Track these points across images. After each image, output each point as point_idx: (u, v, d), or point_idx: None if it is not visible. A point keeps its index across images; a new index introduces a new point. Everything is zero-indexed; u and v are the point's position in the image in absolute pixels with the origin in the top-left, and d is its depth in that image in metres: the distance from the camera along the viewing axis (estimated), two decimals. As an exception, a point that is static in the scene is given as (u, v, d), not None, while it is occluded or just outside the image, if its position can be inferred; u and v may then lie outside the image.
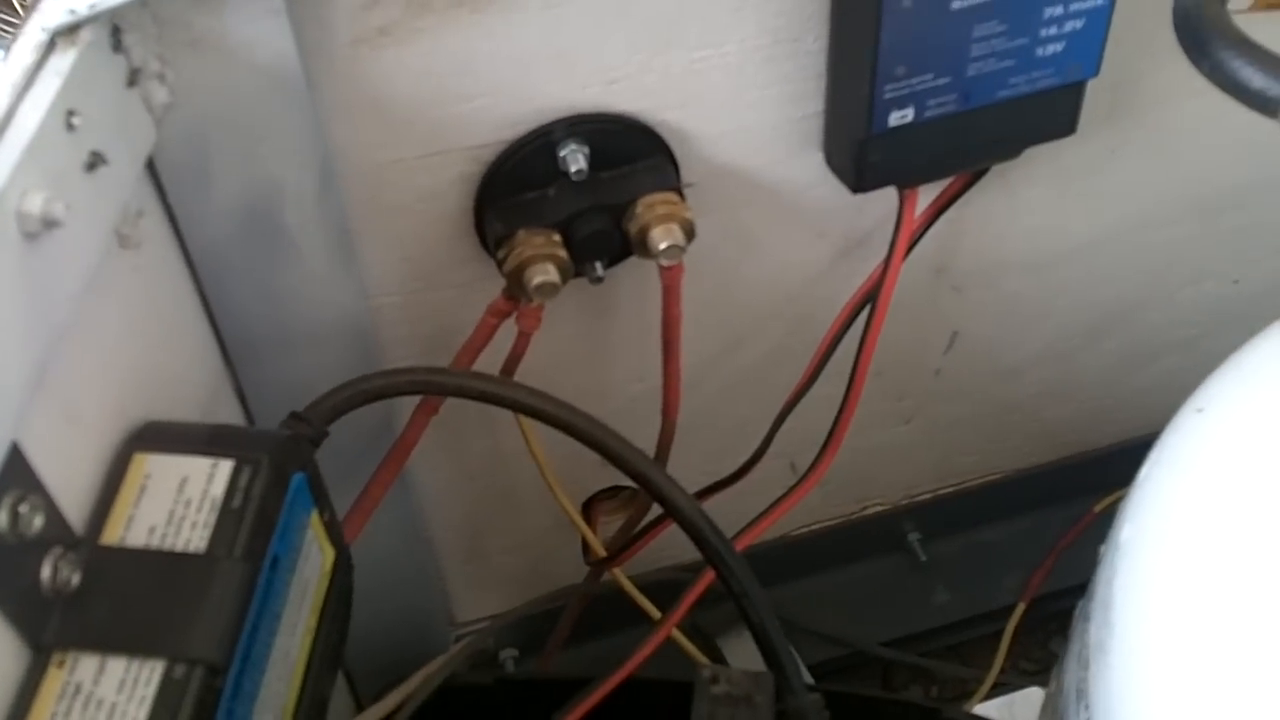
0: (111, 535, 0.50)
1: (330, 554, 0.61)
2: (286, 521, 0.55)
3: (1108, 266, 0.86)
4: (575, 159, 0.63)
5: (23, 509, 0.44)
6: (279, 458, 0.54)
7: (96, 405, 0.52)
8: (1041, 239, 0.82)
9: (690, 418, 0.77)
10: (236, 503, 0.51)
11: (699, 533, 0.65)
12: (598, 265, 0.67)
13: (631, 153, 0.65)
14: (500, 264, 0.64)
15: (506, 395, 0.64)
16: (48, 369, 0.45)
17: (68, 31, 0.48)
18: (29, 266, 0.44)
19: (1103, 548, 0.62)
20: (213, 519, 0.51)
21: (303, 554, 0.57)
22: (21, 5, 2.29)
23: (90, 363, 0.51)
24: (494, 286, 0.67)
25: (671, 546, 0.79)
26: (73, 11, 0.47)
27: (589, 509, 0.91)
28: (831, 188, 0.70)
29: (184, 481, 0.52)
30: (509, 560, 0.94)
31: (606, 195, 0.65)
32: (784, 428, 0.79)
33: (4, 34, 2.34)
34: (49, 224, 0.44)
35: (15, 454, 0.44)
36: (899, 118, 0.63)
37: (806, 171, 0.71)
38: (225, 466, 0.53)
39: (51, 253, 0.45)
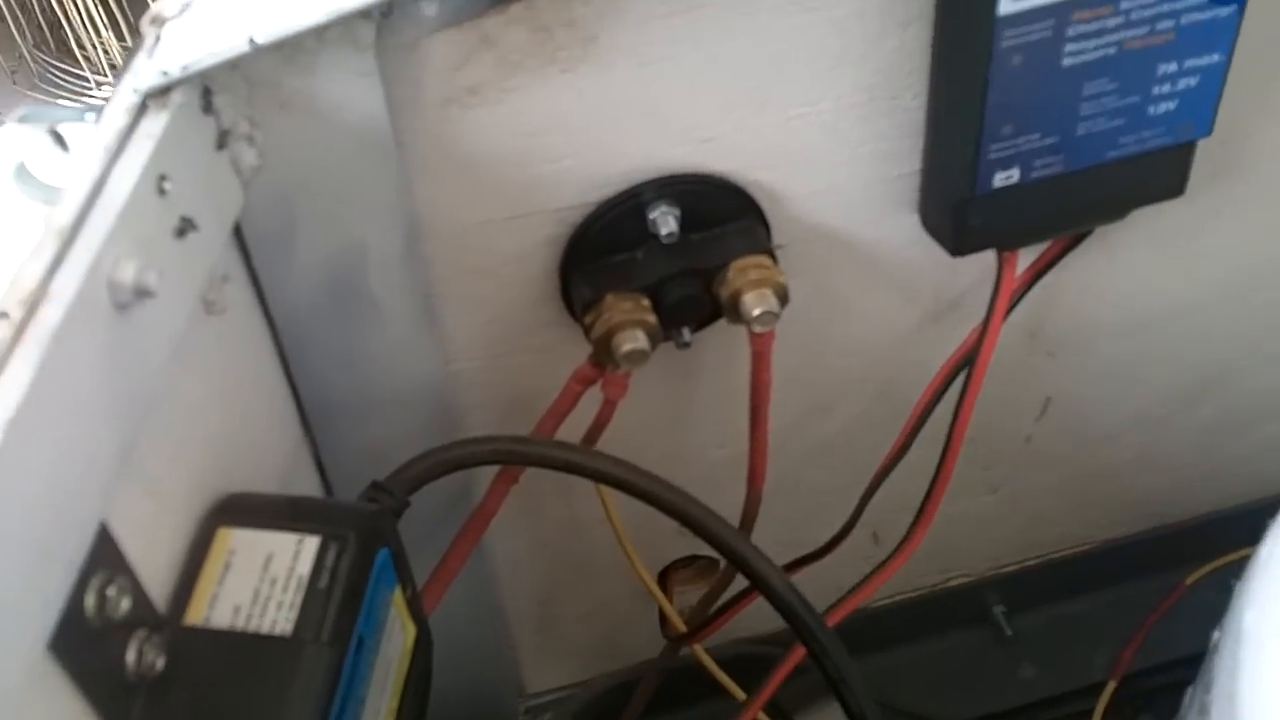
0: (196, 615, 0.48)
1: (411, 631, 0.59)
2: (371, 600, 0.53)
3: (1206, 329, 0.83)
4: (666, 221, 0.61)
5: (110, 591, 0.43)
6: (365, 534, 0.52)
7: (179, 478, 0.50)
8: (1140, 301, 0.80)
9: (772, 483, 0.74)
10: (323, 582, 0.50)
11: (792, 611, 0.62)
12: (686, 330, 0.65)
13: (722, 214, 0.63)
14: (587, 330, 0.62)
15: (592, 466, 0.62)
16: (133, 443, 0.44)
17: (159, 93, 0.46)
18: (120, 338, 0.42)
19: (1217, 633, 0.58)
20: (299, 599, 0.49)
21: (386, 633, 0.55)
22: (84, 58, 2.32)
23: (173, 434, 0.49)
24: (577, 350, 0.65)
25: (748, 616, 0.76)
26: (165, 73, 0.46)
27: (665, 578, 0.89)
28: (925, 249, 0.68)
29: (269, 558, 0.50)
30: (581, 629, 0.91)
31: (697, 258, 0.63)
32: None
33: (67, 83, 2.37)
34: (141, 293, 0.42)
35: (103, 534, 0.42)
36: (1003, 179, 0.61)
37: (900, 232, 0.68)
38: (311, 543, 0.51)
39: (142, 323, 0.44)
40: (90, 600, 0.41)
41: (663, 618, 0.82)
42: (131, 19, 2.34)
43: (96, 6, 2.24)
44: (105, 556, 0.42)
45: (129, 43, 2.31)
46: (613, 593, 0.87)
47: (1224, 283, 0.81)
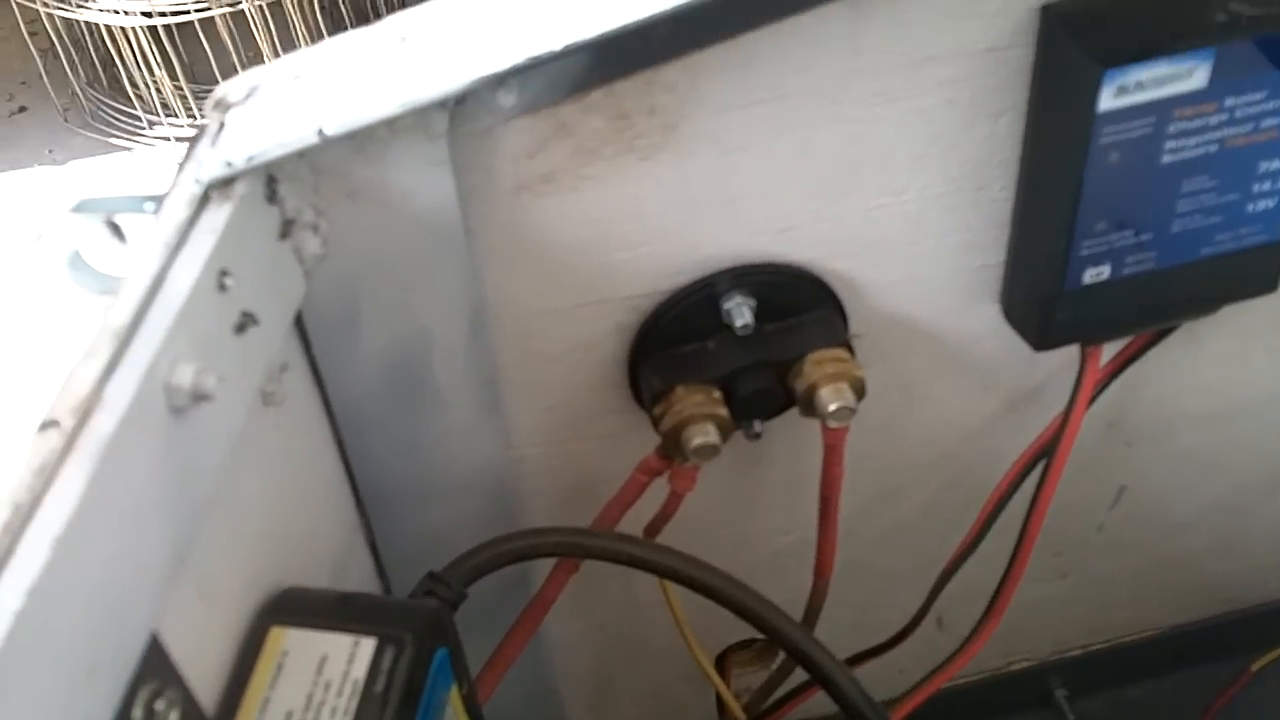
0: (246, 720, 0.46)
1: (467, 729, 0.57)
2: (428, 703, 0.51)
3: None
4: (741, 313, 0.59)
5: (159, 705, 0.41)
6: (423, 635, 0.50)
7: (232, 575, 0.48)
8: (1223, 392, 0.77)
9: (839, 567, 0.72)
10: (379, 687, 0.48)
11: (856, 711, 0.60)
12: (757, 422, 0.63)
13: (799, 304, 0.61)
14: (656, 421, 0.60)
15: (658, 562, 0.61)
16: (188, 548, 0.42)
17: (223, 184, 0.44)
18: (175, 443, 0.40)
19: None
20: (354, 705, 0.47)
21: (441, 734, 0.53)
22: (137, 96, 2.33)
23: (227, 530, 0.47)
24: (640, 437, 0.63)
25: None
26: (229, 164, 0.44)
27: (723, 659, 0.86)
28: (1005, 340, 0.65)
29: (323, 661, 0.48)
30: (636, 711, 0.89)
31: (772, 351, 0.60)
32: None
33: (119, 122, 2.38)
34: (199, 398, 0.40)
35: (153, 644, 0.40)
36: (1094, 275, 0.58)
37: (980, 323, 0.66)
38: (367, 646, 0.49)
39: (199, 426, 0.42)
40: (139, 713, 0.40)
41: (720, 704, 0.80)
42: (185, 58, 2.36)
43: (151, 46, 2.25)
44: (155, 668, 0.41)
45: (181, 83, 2.32)
46: (669, 676, 0.85)
47: (1311, 375, 0.78)
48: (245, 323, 0.45)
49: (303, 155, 0.46)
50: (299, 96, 0.45)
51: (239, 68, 2.35)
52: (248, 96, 0.45)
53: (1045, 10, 0.54)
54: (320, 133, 0.44)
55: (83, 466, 0.36)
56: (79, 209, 0.45)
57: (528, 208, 0.54)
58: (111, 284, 0.48)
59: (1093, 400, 0.67)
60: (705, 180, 0.56)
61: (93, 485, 0.36)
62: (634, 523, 0.66)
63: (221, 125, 0.45)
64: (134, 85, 2.35)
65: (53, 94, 2.47)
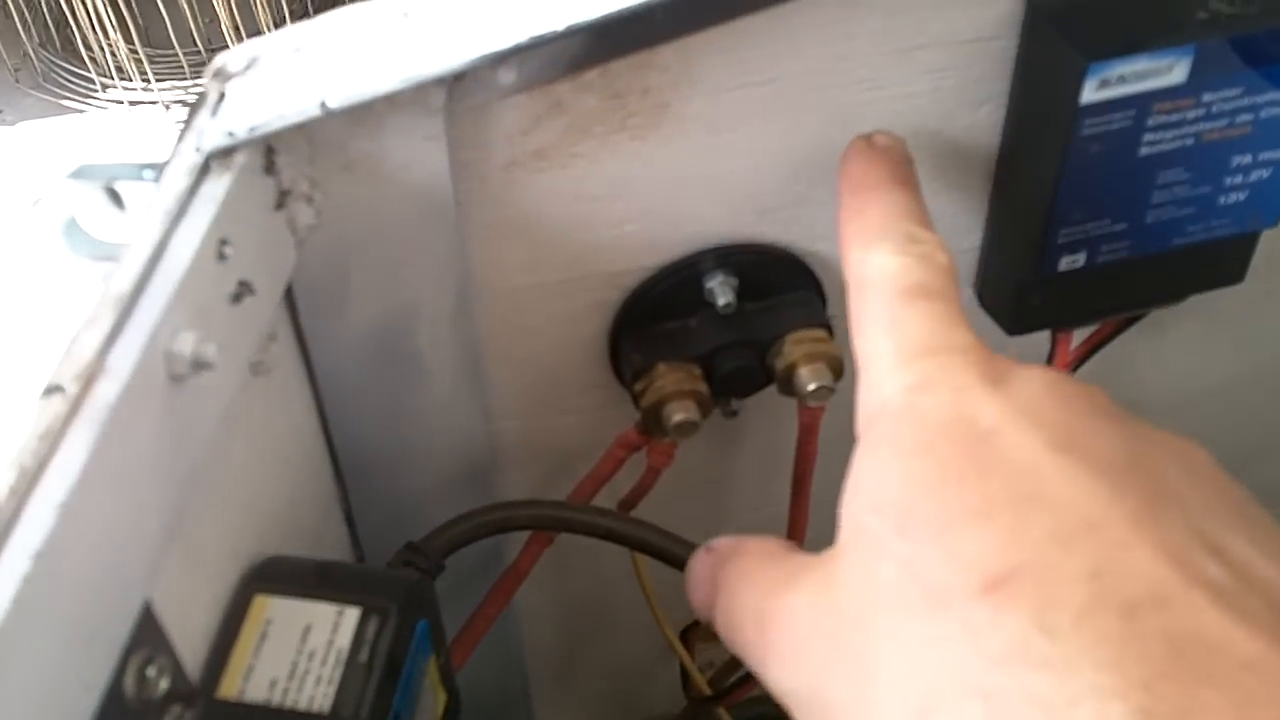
0: (230, 688, 0.47)
1: (443, 699, 0.57)
2: (408, 672, 0.51)
3: (1250, 403, 0.83)
4: (724, 291, 0.59)
5: (150, 671, 0.41)
6: (406, 606, 0.51)
7: (219, 543, 0.48)
8: (1185, 378, 0.79)
9: (808, 544, 0.73)
10: (363, 656, 0.48)
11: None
12: (734, 400, 0.64)
13: (780, 284, 0.62)
14: (637, 397, 0.61)
15: (636, 535, 0.61)
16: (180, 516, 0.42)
17: (223, 154, 0.45)
18: (173, 410, 0.41)
19: None
20: (338, 674, 0.48)
21: (420, 704, 0.54)
22: (90, 59, 2.30)
23: (214, 498, 0.47)
24: (619, 413, 0.64)
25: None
26: (231, 134, 0.44)
27: (687, 634, 0.87)
28: (977, 322, 0.65)
29: (307, 630, 0.49)
30: (601, 684, 0.90)
31: (752, 330, 0.61)
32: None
33: (71, 84, 2.35)
34: (198, 366, 0.41)
35: (146, 613, 0.41)
36: (1069, 262, 0.59)
37: (953, 306, 0.67)
38: (351, 615, 0.49)
39: (195, 394, 0.42)
40: (130, 681, 0.40)
41: (686, 678, 0.81)
42: (141, 21, 2.33)
43: (106, 7, 2.22)
44: (147, 636, 0.41)
45: (136, 47, 2.29)
46: (635, 649, 0.86)
47: (1272, 361, 0.80)
48: (242, 292, 0.45)
49: (301, 127, 0.46)
50: (301, 69, 0.45)
51: (196, 33, 2.32)
52: (248, 67, 0.46)
53: (1032, 3, 0.55)
54: (323, 105, 0.44)
55: (88, 432, 0.36)
56: (77, 175, 0.45)
57: (518, 183, 0.55)
58: (108, 250, 0.48)
59: (1061, 384, 0.68)
60: (693, 160, 0.56)
61: (96, 451, 0.36)
62: (609, 497, 0.67)
63: (222, 95, 0.45)
64: (88, 47, 2.31)
65: (4, 54, 2.44)
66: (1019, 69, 0.56)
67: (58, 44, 2.48)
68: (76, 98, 2.38)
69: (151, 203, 0.43)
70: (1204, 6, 0.54)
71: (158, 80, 2.39)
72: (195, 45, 2.39)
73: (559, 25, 0.45)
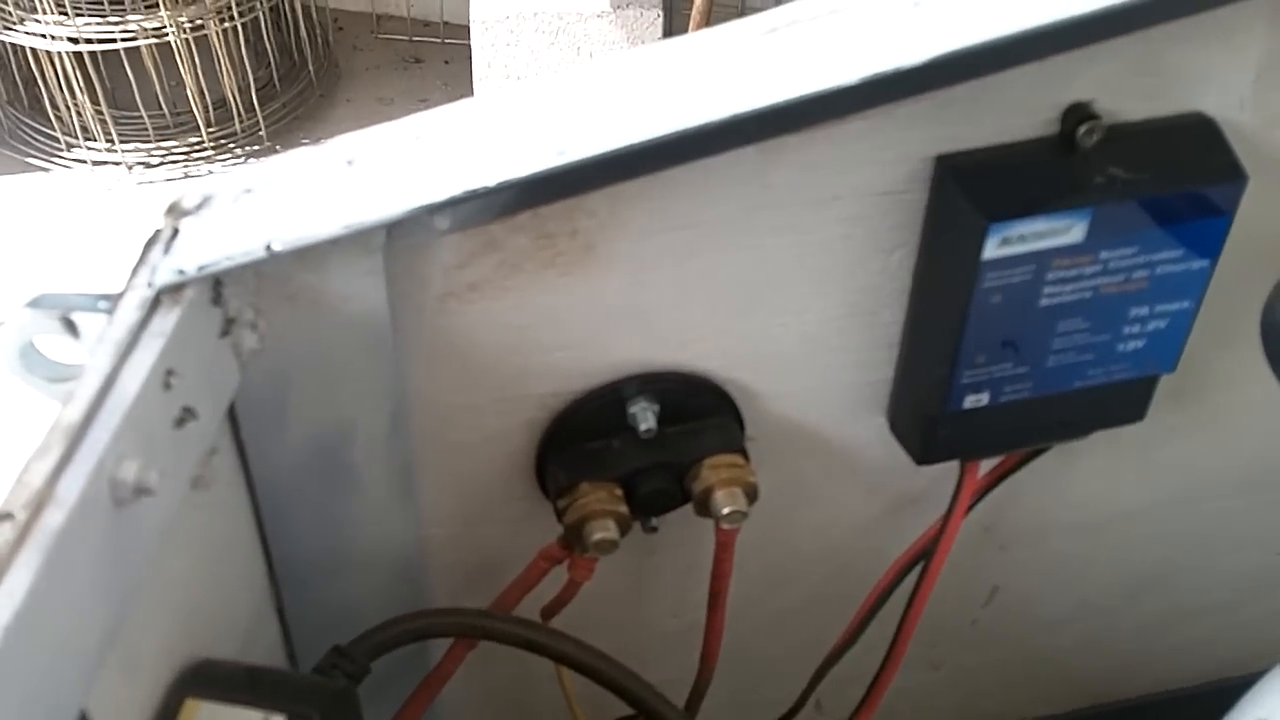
0: (155, 793, 0.49)
1: (363, 800, 0.59)
2: (331, 777, 0.53)
3: (1154, 531, 0.86)
4: (645, 417, 0.62)
5: (82, 781, 0.43)
6: (330, 713, 0.53)
7: (153, 649, 0.51)
8: (1092, 504, 0.82)
9: (726, 649, 0.76)
10: (288, 764, 0.50)
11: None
12: (654, 518, 0.67)
13: (699, 410, 0.65)
14: (560, 513, 0.64)
15: (554, 648, 0.64)
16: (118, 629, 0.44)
17: (173, 290, 0.47)
18: (116, 532, 0.43)
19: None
20: (261, 780, 0.50)
21: (342, 807, 0.55)
22: (57, 118, 2.32)
23: (150, 609, 0.49)
24: (543, 524, 0.67)
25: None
26: (181, 271, 0.47)
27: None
28: (890, 449, 0.70)
29: (234, 736, 0.51)
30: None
31: (672, 453, 0.64)
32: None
33: (37, 143, 2.37)
34: (140, 492, 0.43)
35: None
36: (973, 400, 0.63)
37: (868, 432, 0.70)
38: (276, 722, 0.51)
39: (137, 518, 0.44)
40: (58, 793, 0.42)
41: (604, 776, 0.83)
42: (108, 83, 2.35)
43: (75, 70, 2.25)
44: None
45: (102, 108, 2.32)
46: (556, 747, 0.88)
47: (1176, 492, 0.83)
48: (185, 417, 0.48)
49: (248, 264, 0.49)
50: (250, 210, 0.48)
51: (161, 95, 2.35)
52: (200, 206, 0.48)
53: (939, 161, 0.58)
54: (268, 248, 0.47)
55: (34, 559, 0.39)
56: (34, 304, 0.48)
57: (453, 313, 0.58)
58: (62, 371, 0.50)
59: (970, 508, 0.72)
60: (619, 295, 0.59)
61: (41, 576, 0.38)
62: (532, 603, 0.69)
63: (175, 231, 0.48)
64: (55, 107, 2.34)
65: (-29, 110, 2.45)
66: (927, 223, 0.60)
67: (25, 102, 2.50)
68: (42, 156, 2.40)
69: (104, 334, 0.45)
70: (1101, 171, 0.58)
71: (121, 142, 2.42)
72: (160, 108, 2.42)
73: (490, 181, 0.48)
